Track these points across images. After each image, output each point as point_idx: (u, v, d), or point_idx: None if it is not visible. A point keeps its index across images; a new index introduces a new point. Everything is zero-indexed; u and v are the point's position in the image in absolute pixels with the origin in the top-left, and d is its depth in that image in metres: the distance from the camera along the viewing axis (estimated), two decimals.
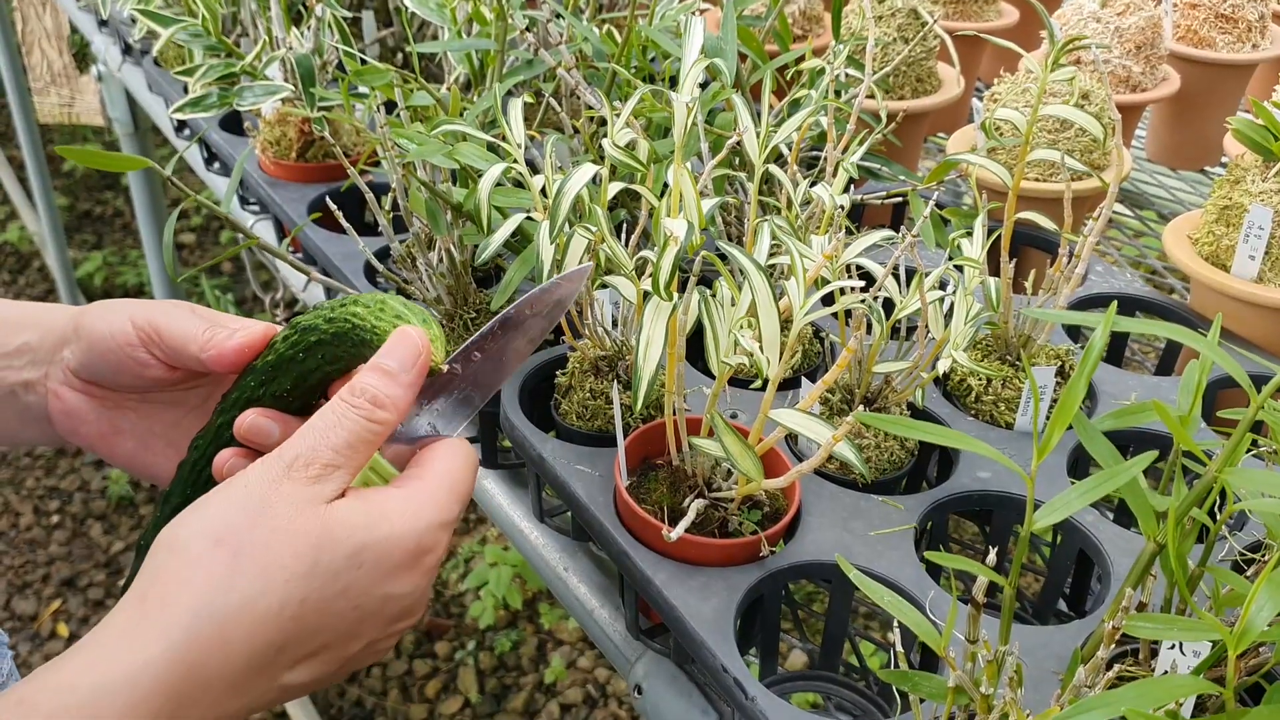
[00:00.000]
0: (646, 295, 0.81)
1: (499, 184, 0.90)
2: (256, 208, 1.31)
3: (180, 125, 1.51)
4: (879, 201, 1.08)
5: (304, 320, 0.61)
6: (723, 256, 0.71)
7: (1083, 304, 1.02)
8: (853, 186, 1.22)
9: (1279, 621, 0.59)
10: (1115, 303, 0.58)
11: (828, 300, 0.73)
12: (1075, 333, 1.02)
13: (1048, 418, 0.71)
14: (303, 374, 0.61)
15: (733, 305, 0.68)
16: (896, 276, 0.80)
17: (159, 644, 0.46)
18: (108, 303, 0.65)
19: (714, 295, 0.68)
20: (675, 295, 0.69)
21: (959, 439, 0.55)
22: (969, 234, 0.77)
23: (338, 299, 0.61)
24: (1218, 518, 0.80)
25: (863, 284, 0.70)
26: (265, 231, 1.28)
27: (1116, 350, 1.04)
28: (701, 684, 0.79)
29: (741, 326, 0.67)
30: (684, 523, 0.73)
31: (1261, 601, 0.51)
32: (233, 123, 1.36)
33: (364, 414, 0.54)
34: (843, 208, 0.81)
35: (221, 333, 0.61)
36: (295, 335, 0.60)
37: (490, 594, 2.44)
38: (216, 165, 1.40)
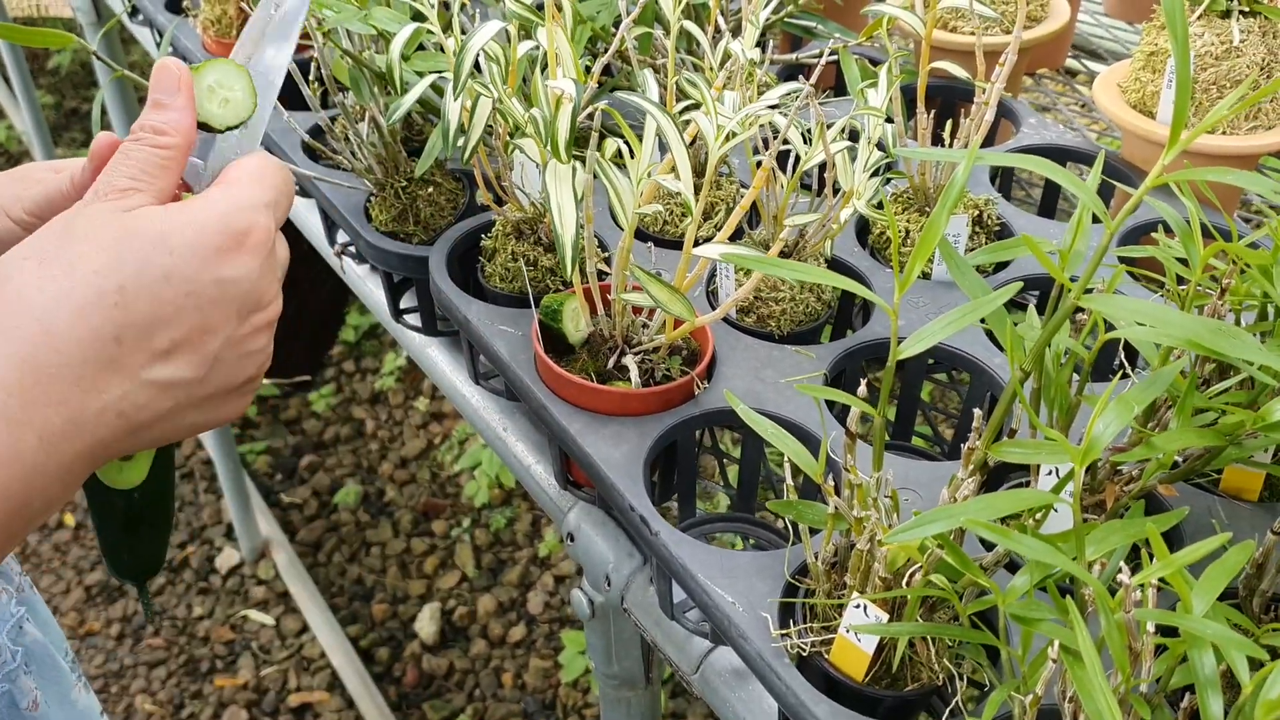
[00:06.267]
0: None
1: (421, 48, 0.91)
2: None
3: (134, 11, 1.50)
4: (814, 60, 1.08)
5: None
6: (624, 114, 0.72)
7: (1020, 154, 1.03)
8: (797, 46, 1.22)
9: (1148, 441, 0.61)
10: (976, 142, 0.60)
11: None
12: (1006, 187, 1.03)
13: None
14: None
15: (633, 158, 0.69)
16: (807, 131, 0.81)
17: None
18: None
19: (603, 152, 0.69)
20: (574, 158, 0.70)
21: (822, 275, 0.57)
22: (875, 84, 0.78)
23: None
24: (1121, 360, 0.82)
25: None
26: None
27: (1050, 202, 1.05)
28: (628, 528, 0.82)
29: (649, 174, 0.69)
30: (634, 377, 0.75)
31: (1107, 419, 0.53)
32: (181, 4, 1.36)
33: (147, 142, 0.55)
34: (754, 62, 0.82)
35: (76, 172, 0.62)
36: None
37: (484, 474, 2.50)
38: (171, 50, 1.40)
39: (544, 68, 0.76)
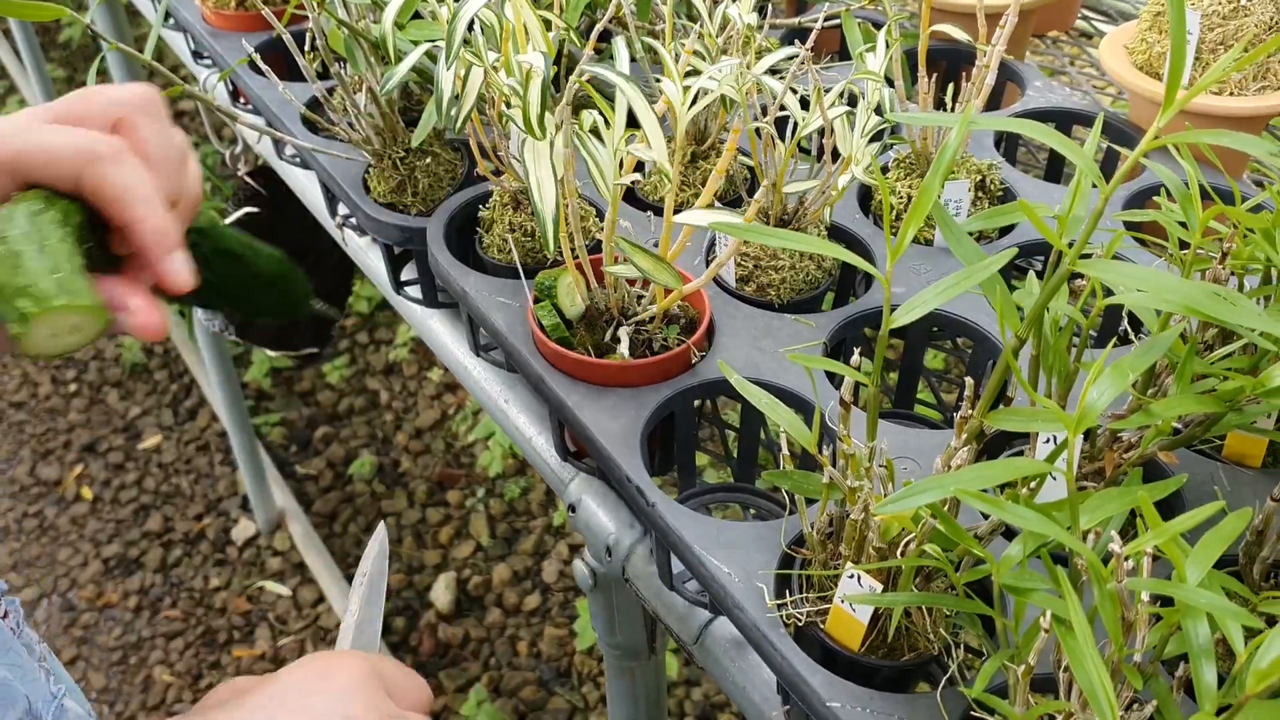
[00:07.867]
0: None
1: (418, 16, 0.90)
2: (209, 61, 1.31)
3: None
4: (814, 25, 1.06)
5: None
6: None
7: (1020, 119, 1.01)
8: (802, 10, 1.20)
9: (1146, 407, 0.61)
10: (970, 107, 0.59)
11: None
12: (1012, 151, 1.02)
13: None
14: None
15: (608, 127, 0.68)
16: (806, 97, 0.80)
17: None
18: None
19: (580, 124, 0.68)
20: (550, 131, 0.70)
21: (811, 243, 0.56)
22: (873, 48, 0.77)
23: None
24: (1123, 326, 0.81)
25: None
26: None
27: (1057, 166, 1.03)
28: (627, 499, 0.82)
29: (625, 141, 0.68)
30: (624, 347, 0.75)
31: (1101, 386, 0.52)
32: None
33: None
34: (752, 26, 0.80)
35: None
36: None
37: (498, 444, 2.50)
38: (171, 21, 1.39)
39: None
